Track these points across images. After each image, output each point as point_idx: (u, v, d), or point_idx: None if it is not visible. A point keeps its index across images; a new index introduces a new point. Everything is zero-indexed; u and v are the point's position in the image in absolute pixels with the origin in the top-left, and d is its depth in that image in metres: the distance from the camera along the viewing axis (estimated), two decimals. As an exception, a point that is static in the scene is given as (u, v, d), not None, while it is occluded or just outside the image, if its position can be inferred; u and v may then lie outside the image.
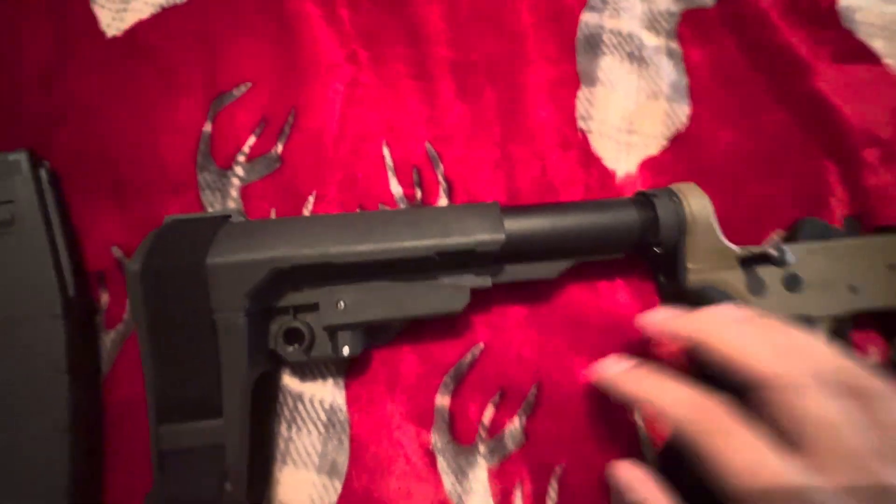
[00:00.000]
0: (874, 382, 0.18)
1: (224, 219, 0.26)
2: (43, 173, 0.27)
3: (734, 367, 0.20)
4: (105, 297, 0.28)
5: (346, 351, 0.25)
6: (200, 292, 0.23)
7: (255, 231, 0.25)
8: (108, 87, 0.30)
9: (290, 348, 0.25)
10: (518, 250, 0.25)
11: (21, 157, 0.26)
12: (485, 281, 0.26)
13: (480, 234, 0.24)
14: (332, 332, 0.25)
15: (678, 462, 0.21)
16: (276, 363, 0.27)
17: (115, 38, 0.31)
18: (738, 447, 0.18)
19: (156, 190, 0.29)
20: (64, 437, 0.25)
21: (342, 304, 0.25)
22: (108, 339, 0.28)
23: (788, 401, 0.18)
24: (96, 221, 0.28)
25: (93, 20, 0.31)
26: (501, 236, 0.24)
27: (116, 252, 0.28)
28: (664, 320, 0.24)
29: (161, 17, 0.31)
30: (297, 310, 0.25)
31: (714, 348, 0.21)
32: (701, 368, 0.22)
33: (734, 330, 0.21)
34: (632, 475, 0.22)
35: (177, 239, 0.24)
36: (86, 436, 0.26)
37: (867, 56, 0.32)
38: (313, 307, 0.25)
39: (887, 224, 0.28)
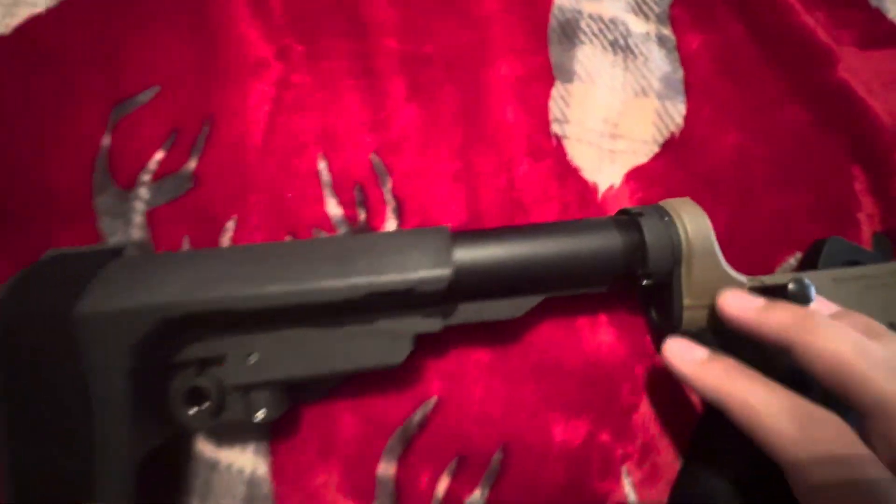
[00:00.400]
0: None
1: (114, 254, 0.21)
2: None
3: (846, 382, 0.16)
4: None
5: (260, 415, 0.20)
6: (68, 349, 0.18)
7: (144, 270, 0.20)
8: (-8, 95, 0.25)
9: (193, 411, 0.20)
10: (473, 286, 0.21)
11: None
12: (433, 324, 0.21)
13: (421, 270, 0.20)
14: (245, 391, 0.20)
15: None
16: (183, 429, 0.22)
17: (2, 38, 0.26)
18: (848, 466, 0.15)
19: (46, 218, 0.24)
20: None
21: (255, 357, 0.20)
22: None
23: None
24: (-25, 256, 0.24)
25: (-21, 17, 0.26)
26: (447, 272, 0.20)
27: None
28: (751, 307, 0.19)
29: (59, 12, 0.27)
30: (203, 364, 0.21)
31: (821, 356, 0.17)
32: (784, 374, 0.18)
33: (849, 336, 0.17)
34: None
35: (45, 281, 0.20)
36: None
37: (898, 40, 0.27)
38: (222, 360, 0.20)
39: (931, 244, 0.23)
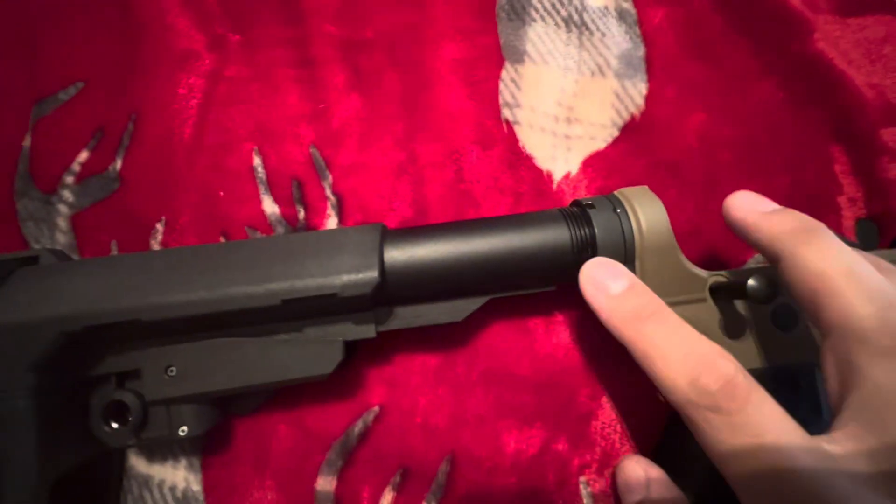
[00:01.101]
0: None
1: (25, 262, 0.20)
2: None
3: (821, 298, 0.15)
4: None
5: (183, 431, 0.19)
6: None
7: (51, 279, 0.19)
8: None
9: (113, 428, 0.19)
10: (408, 288, 0.19)
11: None
12: (367, 330, 0.20)
13: (345, 274, 0.18)
14: (167, 405, 0.19)
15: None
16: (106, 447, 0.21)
17: (-81, 35, 0.25)
18: (731, 429, 0.14)
19: (-33, 224, 0.23)
20: None
21: (173, 370, 0.19)
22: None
23: (868, 364, 0.14)
24: None
25: None
26: (373, 274, 0.18)
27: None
28: (757, 209, 0.18)
29: (-22, 6, 0.25)
30: (122, 377, 0.19)
31: (806, 267, 0.15)
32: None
33: (846, 256, 0.15)
34: (633, 474, 0.20)
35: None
36: None
37: (882, 5, 0.25)
38: (139, 373, 0.19)
39: (917, 229, 0.21)
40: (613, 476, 0.21)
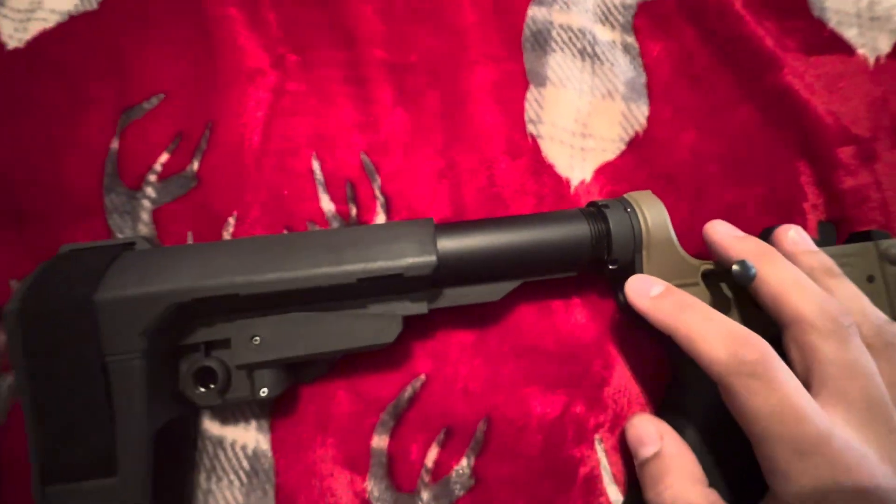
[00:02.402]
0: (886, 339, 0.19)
1: (125, 247, 0.23)
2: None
3: (779, 301, 0.20)
4: (3, 338, 0.25)
5: (264, 392, 0.22)
6: (88, 333, 0.20)
7: (155, 260, 0.22)
8: (6, 104, 0.27)
9: (202, 391, 0.22)
10: (456, 272, 0.23)
11: None
12: (420, 307, 0.23)
13: (409, 257, 0.22)
14: (249, 370, 0.22)
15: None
16: (192, 407, 0.24)
17: (15, 51, 0.28)
18: (772, 392, 0.17)
19: (59, 216, 0.26)
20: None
21: (258, 339, 0.22)
22: (5, 384, 0.24)
23: (819, 343, 0.19)
24: (-8, 253, 0.25)
25: (-7, 31, 0.28)
26: (432, 258, 0.22)
27: (16, 286, 0.25)
28: (731, 235, 0.23)
29: (68, 27, 0.28)
30: (210, 346, 0.23)
31: (767, 280, 0.20)
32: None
33: (794, 272, 0.21)
34: (648, 428, 0.22)
35: (65, 272, 0.21)
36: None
37: (840, 47, 0.30)
38: (227, 343, 0.22)
39: (865, 230, 0.25)
40: (622, 433, 0.25)
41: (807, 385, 0.19)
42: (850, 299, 0.20)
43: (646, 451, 0.22)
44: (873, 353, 0.19)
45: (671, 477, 0.20)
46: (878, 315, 0.20)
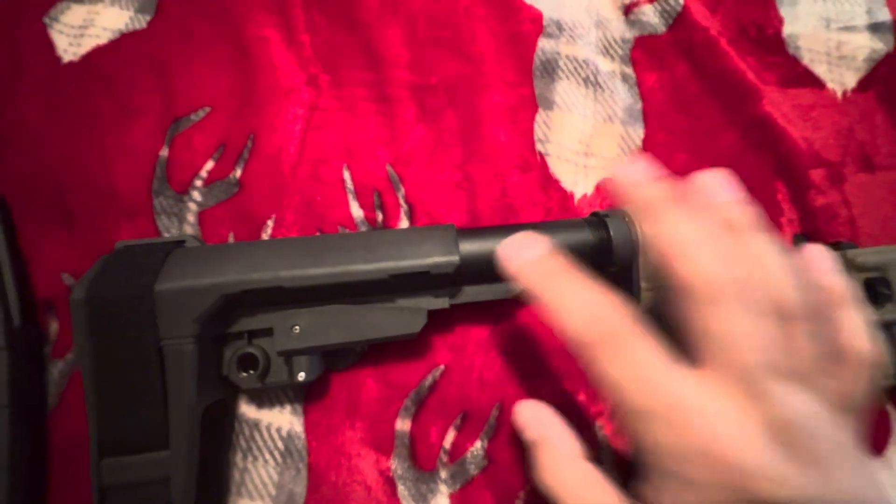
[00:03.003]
0: (808, 308, 0.17)
1: (177, 244, 0.25)
2: (-10, 199, 0.26)
3: (667, 264, 0.18)
4: (54, 326, 0.27)
5: (301, 376, 0.25)
6: (148, 319, 0.22)
7: (206, 256, 0.24)
8: (60, 113, 0.30)
9: (244, 375, 0.25)
10: (474, 272, 0.25)
11: (-33, 184, 0.26)
12: (443, 302, 0.26)
13: (435, 257, 0.24)
14: (288, 357, 0.25)
15: None
16: (231, 391, 0.27)
17: (70, 64, 0.30)
18: (625, 362, 0.17)
19: (108, 216, 0.28)
20: (2, 476, 0.24)
21: (297, 328, 0.25)
22: (56, 369, 0.27)
23: (703, 313, 0.17)
24: (46, 248, 0.28)
25: (49, 45, 0.31)
26: (456, 258, 0.24)
27: (67, 279, 0.27)
28: (631, 180, 0.20)
29: (119, 43, 0.31)
30: (252, 335, 0.25)
31: (655, 239, 0.18)
32: None
33: (685, 222, 0.18)
34: (532, 413, 0.22)
35: (125, 265, 0.24)
36: (26, 474, 0.25)
37: (812, 81, 0.34)
38: (268, 332, 0.25)
39: (835, 241, 0.29)
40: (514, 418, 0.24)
41: (692, 353, 0.17)
42: (759, 257, 0.17)
43: (528, 435, 0.22)
44: (764, 319, 0.16)
45: (550, 457, 0.21)
46: (789, 278, 0.17)
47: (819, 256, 0.21)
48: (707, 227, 0.18)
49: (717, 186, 0.19)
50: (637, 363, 0.17)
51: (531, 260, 0.20)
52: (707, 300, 0.17)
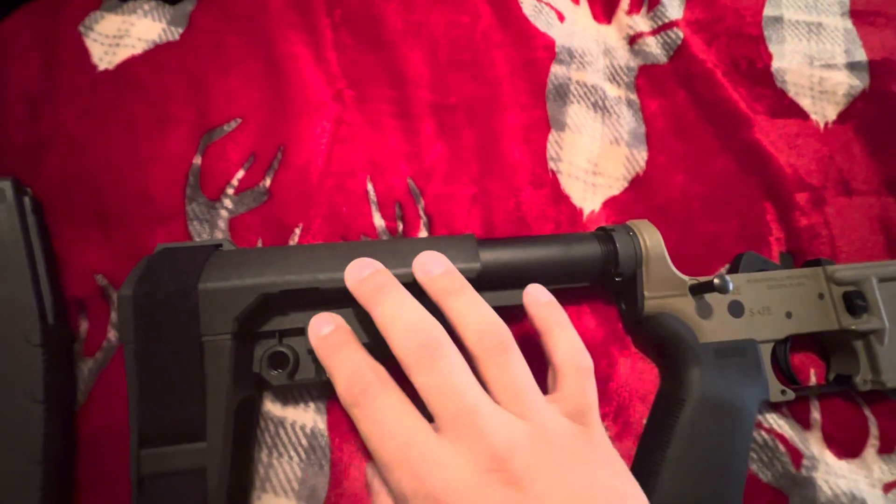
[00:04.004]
0: (505, 341, 0.21)
1: (215, 247, 0.27)
2: (26, 201, 0.27)
3: (385, 338, 0.21)
4: (84, 325, 0.28)
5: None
6: (191, 316, 0.24)
7: (244, 258, 0.26)
8: (96, 119, 0.31)
9: (275, 372, 0.26)
10: (492, 278, 0.27)
11: (5, 185, 0.27)
12: (462, 309, 0.27)
13: (458, 263, 0.26)
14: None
15: None
16: (259, 388, 0.28)
17: (105, 72, 0.32)
18: (375, 416, 0.20)
19: (142, 219, 0.29)
20: (36, 468, 0.25)
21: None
22: (86, 367, 0.28)
23: (414, 376, 0.20)
24: (79, 249, 0.29)
25: (85, 53, 0.32)
26: (477, 265, 0.26)
27: (100, 280, 0.28)
28: (537, 301, 0.24)
29: (153, 54, 0.33)
30: (283, 334, 0.26)
31: (375, 319, 0.22)
32: None
33: (393, 303, 0.22)
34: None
35: (169, 265, 0.25)
36: (58, 466, 0.25)
37: (797, 112, 0.37)
38: (298, 332, 0.26)
39: (816, 258, 0.32)
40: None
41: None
42: (462, 313, 0.21)
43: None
44: (477, 362, 0.21)
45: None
46: (485, 321, 0.21)
47: (534, 292, 0.25)
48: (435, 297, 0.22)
49: (433, 260, 0.24)
50: (387, 417, 0.19)
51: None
52: (415, 365, 0.20)
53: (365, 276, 0.23)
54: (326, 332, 0.23)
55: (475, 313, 0.22)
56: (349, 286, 0.23)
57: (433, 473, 0.18)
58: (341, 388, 0.21)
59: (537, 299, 0.25)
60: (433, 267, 0.23)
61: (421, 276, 0.24)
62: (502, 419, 0.19)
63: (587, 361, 0.23)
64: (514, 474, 0.18)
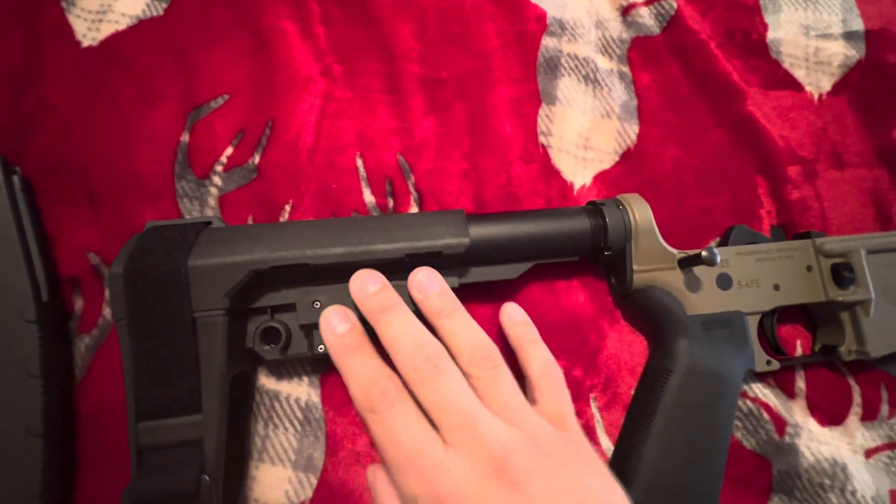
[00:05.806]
0: (492, 356, 0.23)
1: (205, 224, 0.27)
2: (15, 180, 0.27)
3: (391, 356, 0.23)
4: (79, 303, 0.28)
5: (321, 349, 0.26)
6: (182, 293, 0.24)
7: (234, 235, 0.26)
8: (81, 96, 0.30)
9: (267, 347, 0.26)
10: (482, 253, 0.27)
11: (-7, 164, 0.26)
12: (452, 282, 0.28)
13: (447, 238, 0.26)
14: (308, 330, 0.26)
15: None
16: (253, 362, 0.28)
17: (89, 48, 0.31)
18: (390, 423, 0.21)
19: (131, 197, 0.29)
20: (36, 442, 0.25)
21: (318, 303, 0.26)
22: (83, 344, 0.28)
23: (412, 383, 0.22)
24: (70, 228, 0.29)
25: (68, 29, 0.32)
26: (466, 240, 0.26)
27: (93, 258, 0.29)
28: (363, 291, 0.25)
29: (137, 29, 0.32)
30: (275, 310, 0.27)
31: (379, 335, 0.24)
32: None
33: (393, 323, 0.23)
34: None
35: (159, 242, 0.25)
36: (58, 440, 0.26)
37: (791, 84, 0.37)
38: (290, 307, 0.26)
39: (806, 231, 0.32)
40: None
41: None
42: (456, 334, 0.23)
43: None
44: (470, 378, 0.22)
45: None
46: (476, 341, 0.23)
47: (510, 311, 0.27)
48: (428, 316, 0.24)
49: (426, 279, 0.25)
50: (401, 426, 0.21)
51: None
52: (411, 382, 0.22)
53: (371, 293, 0.24)
54: (342, 330, 0.24)
55: (467, 334, 0.24)
56: (354, 296, 0.25)
57: (442, 477, 0.20)
58: (358, 393, 0.22)
59: (512, 318, 0.27)
60: (429, 286, 0.25)
61: (417, 295, 0.25)
62: (498, 426, 0.21)
63: (558, 373, 0.25)
64: (513, 476, 0.19)
